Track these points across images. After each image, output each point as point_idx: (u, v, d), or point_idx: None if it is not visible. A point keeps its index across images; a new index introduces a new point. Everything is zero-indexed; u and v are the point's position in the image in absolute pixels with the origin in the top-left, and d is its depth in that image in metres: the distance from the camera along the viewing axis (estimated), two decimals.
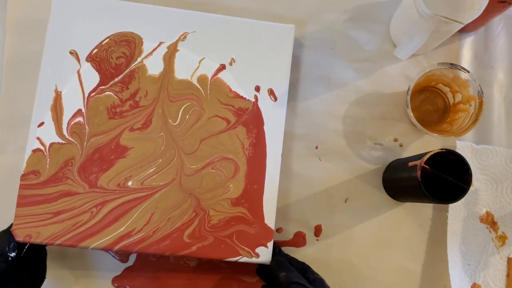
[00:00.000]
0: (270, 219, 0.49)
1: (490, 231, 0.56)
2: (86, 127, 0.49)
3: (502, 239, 0.56)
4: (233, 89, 0.51)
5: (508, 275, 0.55)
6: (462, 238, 0.55)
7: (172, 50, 0.51)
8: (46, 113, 0.49)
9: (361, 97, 0.57)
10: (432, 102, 0.58)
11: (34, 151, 0.48)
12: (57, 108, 0.49)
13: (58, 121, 0.49)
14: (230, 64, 0.51)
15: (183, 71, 0.51)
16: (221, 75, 0.51)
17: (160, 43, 0.51)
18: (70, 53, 0.50)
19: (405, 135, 0.57)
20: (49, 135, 0.49)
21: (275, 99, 0.51)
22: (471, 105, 0.52)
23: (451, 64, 0.51)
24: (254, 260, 0.48)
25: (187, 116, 0.50)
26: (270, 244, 0.49)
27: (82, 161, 0.48)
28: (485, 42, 0.60)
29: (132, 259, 0.54)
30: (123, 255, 0.53)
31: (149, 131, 0.49)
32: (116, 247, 0.47)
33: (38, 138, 0.49)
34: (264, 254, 0.48)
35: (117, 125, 0.49)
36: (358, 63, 0.58)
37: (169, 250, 0.48)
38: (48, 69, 0.50)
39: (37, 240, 0.47)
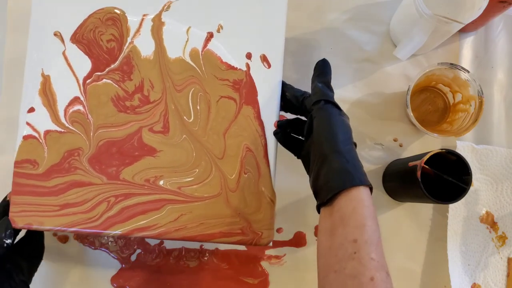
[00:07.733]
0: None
1: (490, 231, 0.56)
2: (89, 116, 0.47)
3: (502, 239, 0.56)
4: (224, 60, 0.47)
5: (508, 275, 0.55)
6: (462, 238, 0.55)
7: (158, 24, 0.47)
8: (34, 98, 0.47)
9: (361, 97, 0.57)
10: (432, 102, 0.58)
11: (26, 137, 0.46)
12: (47, 93, 0.47)
13: (52, 107, 0.47)
14: (218, 31, 0.47)
15: (174, 47, 0.47)
16: (210, 45, 0.47)
17: (144, 16, 0.47)
18: (55, 34, 0.47)
19: (405, 135, 0.57)
20: (43, 122, 0.46)
21: (269, 65, 0.47)
22: (471, 105, 0.52)
23: (451, 64, 0.51)
24: None
25: (198, 107, 0.47)
26: None
27: (93, 153, 0.46)
28: (485, 42, 0.60)
29: (132, 259, 0.54)
30: (123, 256, 0.53)
31: (172, 135, 0.47)
32: (121, 232, 0.45)
33: (28, 124, 0.46)
34: None
35: (131, 120, 0.47)
36: (358, 63, 0.58)
37: (176, 238, 0.45)
38: (34, 53, 0.47)
39: (40, 228, 0.45)
